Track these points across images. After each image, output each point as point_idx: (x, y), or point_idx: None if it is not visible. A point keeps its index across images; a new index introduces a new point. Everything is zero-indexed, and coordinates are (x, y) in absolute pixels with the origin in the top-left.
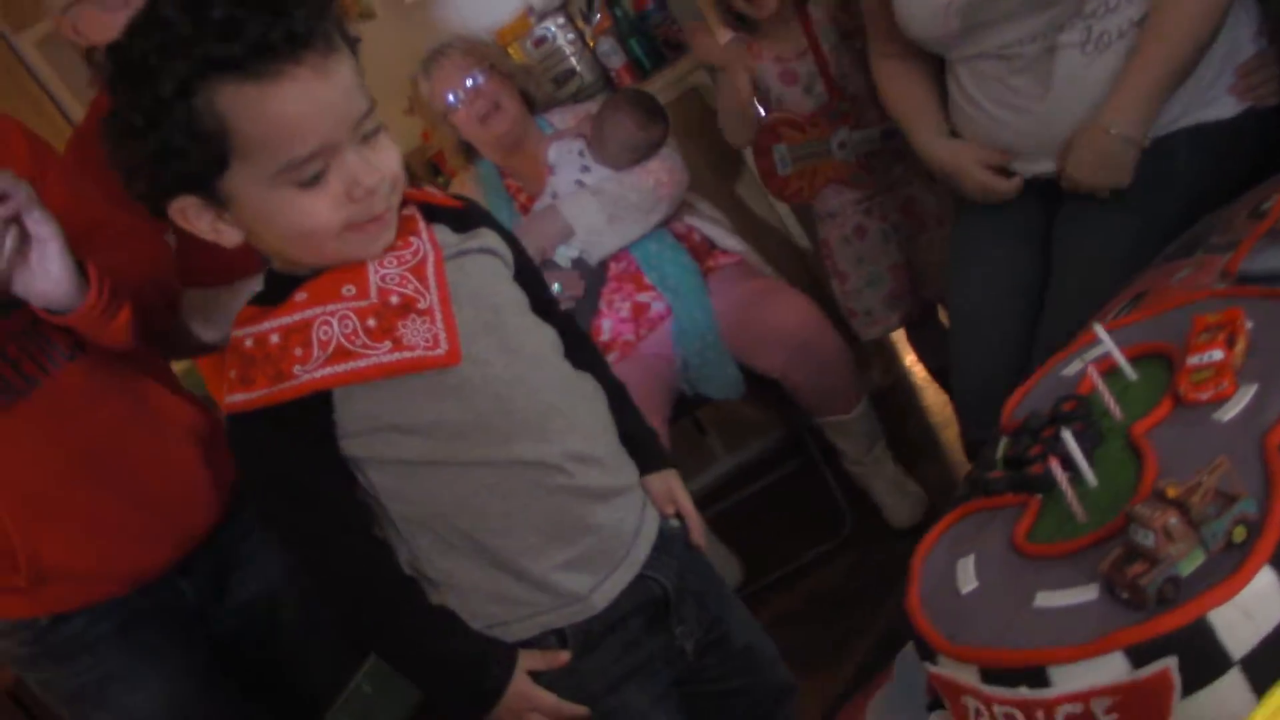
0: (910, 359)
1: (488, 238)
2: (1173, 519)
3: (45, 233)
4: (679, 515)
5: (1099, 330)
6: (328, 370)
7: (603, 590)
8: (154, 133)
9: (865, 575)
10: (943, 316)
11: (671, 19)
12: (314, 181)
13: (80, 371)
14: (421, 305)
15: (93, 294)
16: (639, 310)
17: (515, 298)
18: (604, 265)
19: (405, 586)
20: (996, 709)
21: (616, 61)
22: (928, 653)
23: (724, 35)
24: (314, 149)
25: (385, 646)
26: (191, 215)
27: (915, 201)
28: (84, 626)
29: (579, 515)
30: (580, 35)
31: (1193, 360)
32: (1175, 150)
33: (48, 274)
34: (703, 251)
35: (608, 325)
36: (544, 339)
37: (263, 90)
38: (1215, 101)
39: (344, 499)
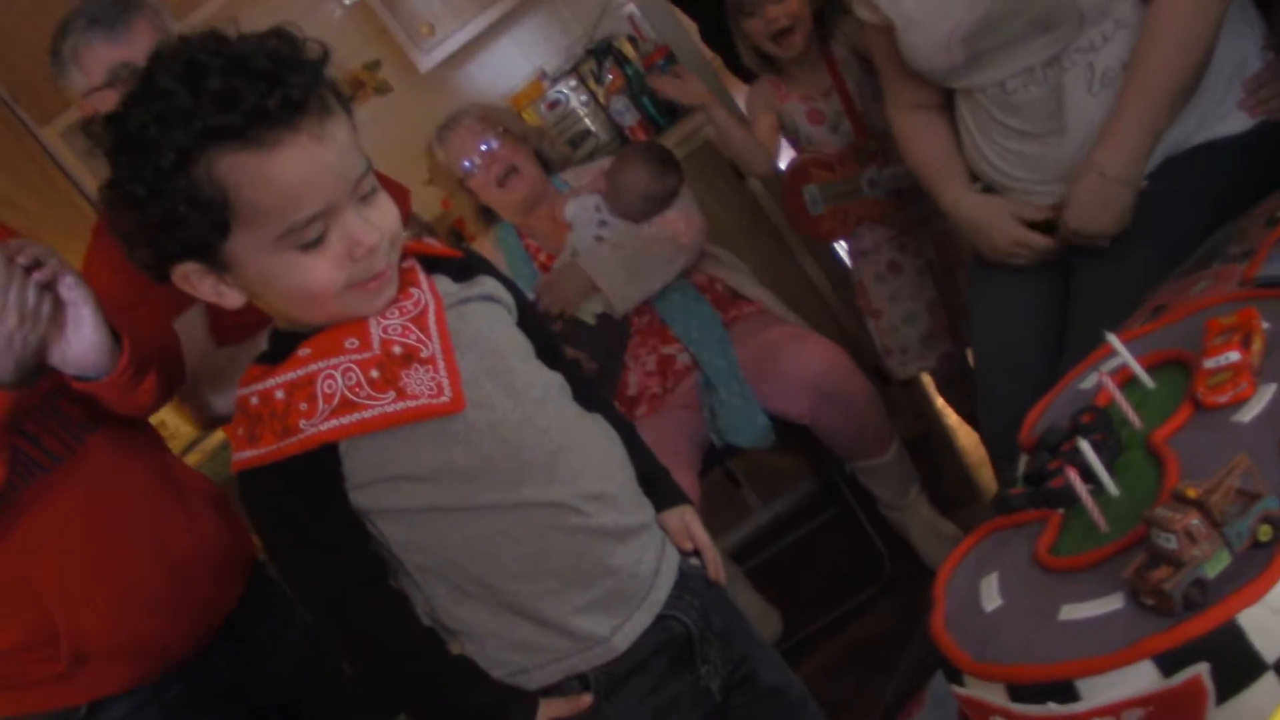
0: (941, 401)
1: (488, 285)
2: (1194, 520)
3: (78, 297)
4: (697, 553)
5: (1113, 340)
6: (333, 423)
7: (624, 632)
8: (155, 202)
9: (905, 620)
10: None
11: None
12: (315, 244)
13: (104, 444)
14: (424, 354)
15: (124, 358)
16: (665, 363)
17: (518, 342)
18: (627, 320)
19: (424, 637)
20: None
21: (630, 119)
22: (954, 674)
23: (739, 91)
24: (314, 212)
25: (405, 699)
26: (194, 280)
27: (949, 238)
28: (124, 715)
29: (597, 556)
30: (593, 96)
31: (1209, 363)
32: (1188, 170)
33: (82, 339)
34: (725, 301)
35: (634, 380)
36: (550, 382)
37: (262, 158)
38: (1226, 117)
39: (358, 551)
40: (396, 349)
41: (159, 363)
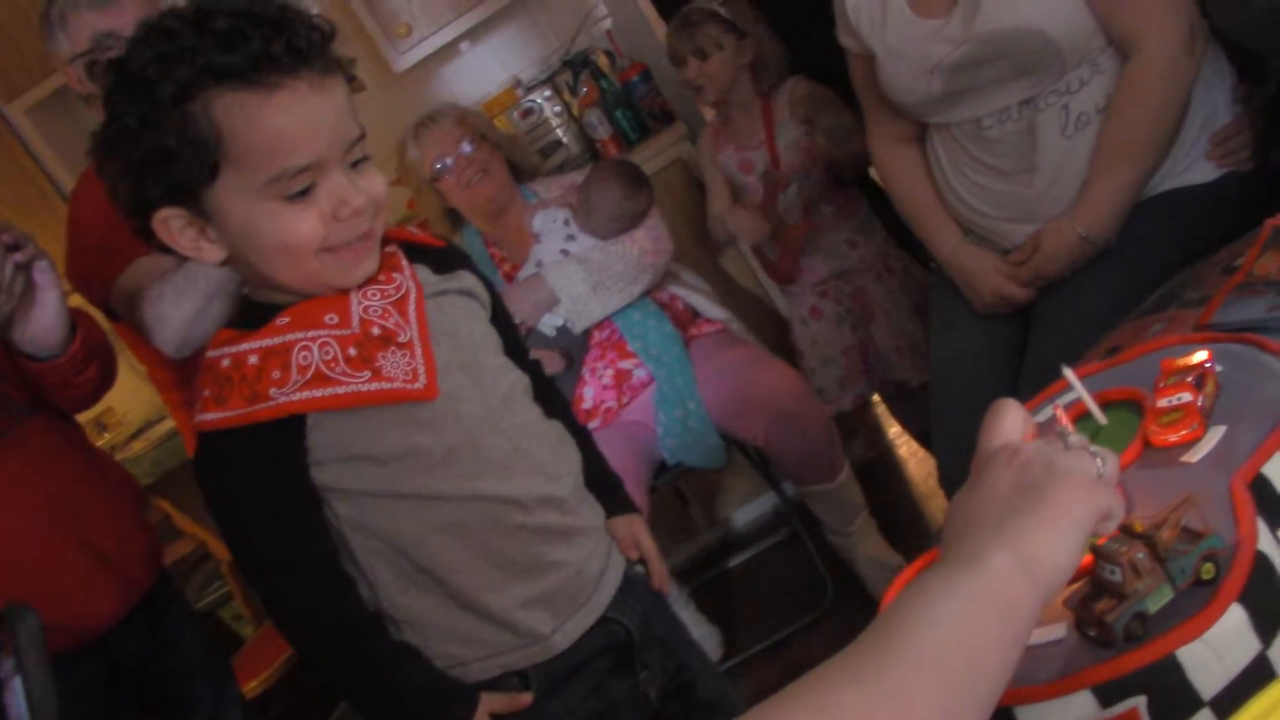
0: (895, 430)
1: (466, 280)
2: (1140, 554)
3: (48, 281)
4: (643, 561)
5: (1069, 374)
6: (305, 394)
7: (565, 630)
8: (148, 135)
9: (845, 646)
10: None
11: (656, 90)
12: (301, 196)
13: (40, 429)
14: (402, 339)
15: (77, 343)
16: (621, 377)
17: (490, 339)
18: (587, 333)
19: (369, 620)
20: None
21: (603, 133)
22: None
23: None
24: (306, 162)
25: (345, 680)
26: (175, 229)
27: (866, 292)
28: None
29: (540, 552)
30: (567, 107)
31: (1162, 403)
32: (1154, 215)
33: (45, 319)
34: (685, 320)
35: (590, 393)
36: (516, 381)
37: (261, 99)
38: (1193, 166)
39: (310, 526)
40: (375, 330)
41: (100, 358)
